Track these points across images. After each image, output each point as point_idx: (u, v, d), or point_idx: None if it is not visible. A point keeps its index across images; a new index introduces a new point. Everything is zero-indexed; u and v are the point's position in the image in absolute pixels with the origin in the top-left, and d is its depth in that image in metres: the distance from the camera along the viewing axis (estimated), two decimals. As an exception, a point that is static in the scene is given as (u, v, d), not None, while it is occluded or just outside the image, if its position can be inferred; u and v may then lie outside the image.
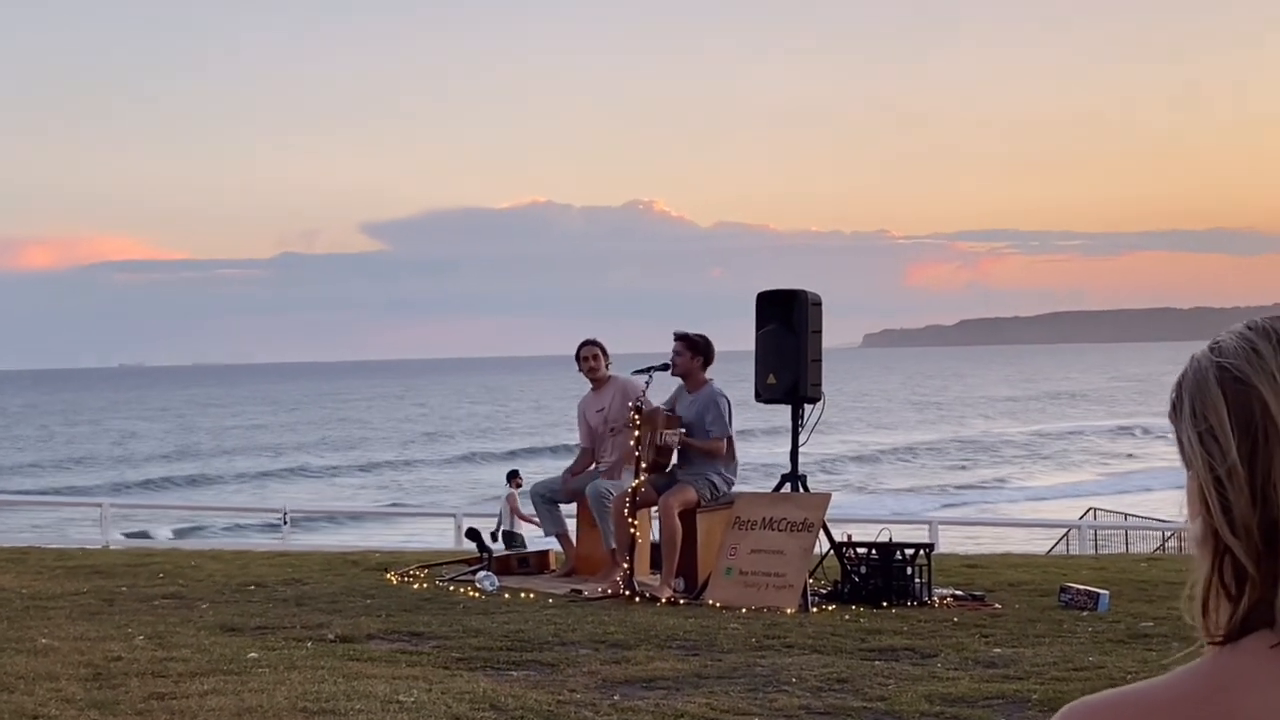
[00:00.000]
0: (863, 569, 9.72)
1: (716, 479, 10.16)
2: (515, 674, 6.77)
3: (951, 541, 22.42)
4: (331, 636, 7.66)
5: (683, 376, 10.31)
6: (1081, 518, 28.89)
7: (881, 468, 59.40)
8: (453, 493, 51.40)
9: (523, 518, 19.12)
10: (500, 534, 18.78)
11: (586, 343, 11.01)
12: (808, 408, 10.13)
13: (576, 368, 11.04)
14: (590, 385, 11.04)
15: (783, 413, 10.37)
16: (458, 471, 59.96)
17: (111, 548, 16.39)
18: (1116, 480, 52.32)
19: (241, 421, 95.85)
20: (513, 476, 20.78)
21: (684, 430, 10.07)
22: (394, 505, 43.72)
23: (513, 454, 59.58)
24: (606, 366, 10.98)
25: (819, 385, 10.06)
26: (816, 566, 9.91)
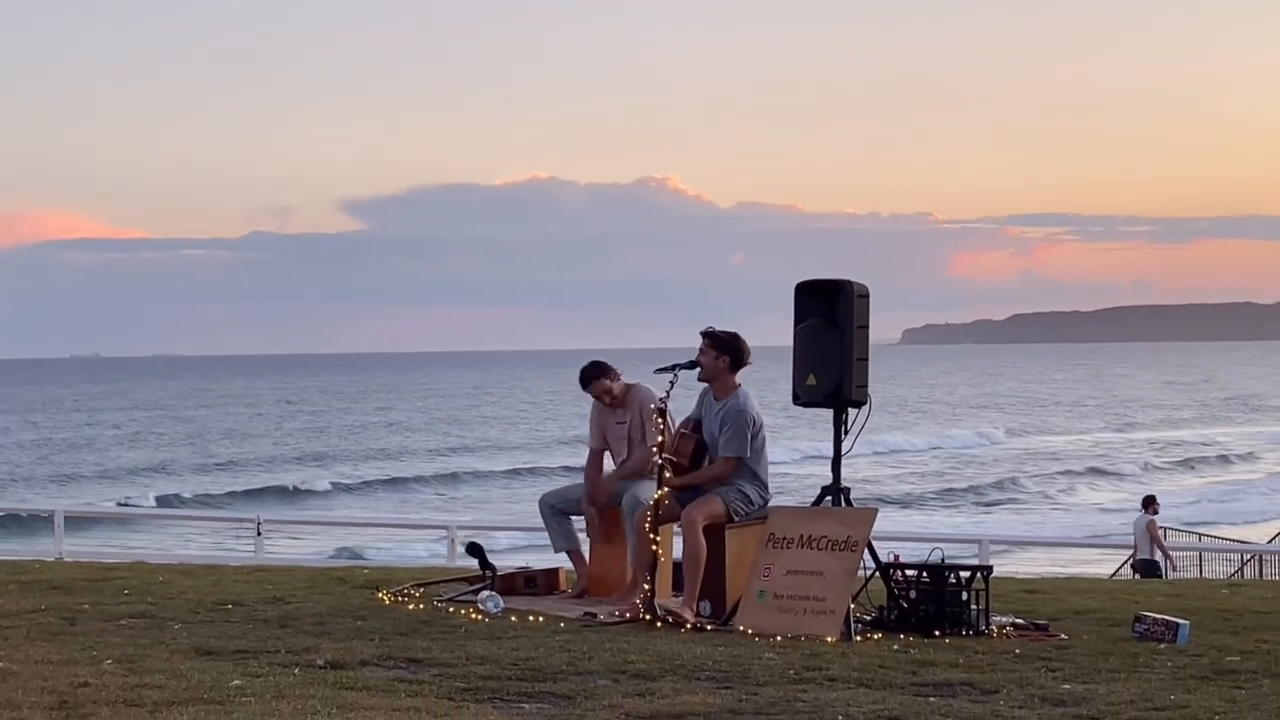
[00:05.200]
0: (912, 593, 9.74)
1: (750, 490, 10.16)
2: (528, 707, 6.80)
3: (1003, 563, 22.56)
4: (321, 662, 7.70)
5: (708, 380, 10.31)
6: (1150, 538, 28.90)
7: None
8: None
9: (1160, 546, 20.29)
10: (1135, 563, 19.92)
11: (595, 376, 11.03)
12: (852, 412, 10.14)
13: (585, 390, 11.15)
14: None
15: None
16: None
17: (66, 560, 16.48)
18: None
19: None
20: (1150, 502, 21.72)
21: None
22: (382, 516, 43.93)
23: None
24: (618, 380, 11.04)
25: (865, 387, 10.08)
26: (860, 590, 9.92)
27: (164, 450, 75.32)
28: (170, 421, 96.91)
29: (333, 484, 58.86)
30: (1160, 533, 21.59)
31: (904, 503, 54.15)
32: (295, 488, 57.37)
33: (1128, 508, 52.11)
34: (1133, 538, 21.76)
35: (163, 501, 50.74)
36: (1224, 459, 70.40)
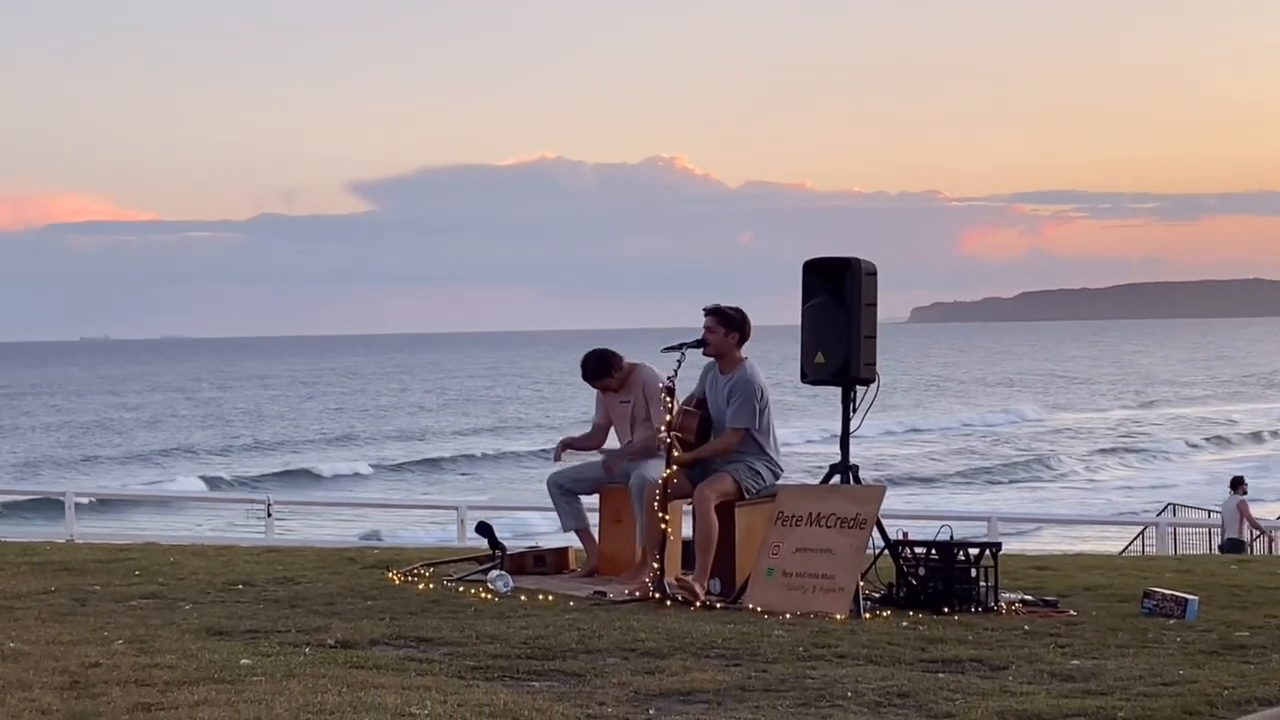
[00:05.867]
0: (921, 570, 9.75)
1: (761, 467, 10.17)
2: (537, 685, 6.82)
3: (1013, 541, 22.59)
4: (331, 642, 7.72)
5: (717, 357, 10.32)
6: (1159, 514, 28.94)
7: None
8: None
9: (1254, 524, 20.80)
10: (1223, 542, 20.43)
11: (598, 376, 11.03)
12: (860, 390, 10.14)
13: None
14: None
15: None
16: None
17: (77, 541, 16.52)
18: None
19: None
20: (1238, 483, 22.19)
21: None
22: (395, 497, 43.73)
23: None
24: (620, 369, 11.06)
25: (873, 364, 10.06)
26: (869, 568, 9.93)
27: (185, 432, 75.23)
28: (190, 404, 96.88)
29: (372, 467, 58.51)
30: (1250, 511, 22.14)
31: (933, 481, 53.99)
32: (334, 473, 56.73)
33: (1143, 485, 52.11)
34: (1221, 518, 22.32)
35: (210, 483, 50.60)
36: (1257, 436, 69.99)
